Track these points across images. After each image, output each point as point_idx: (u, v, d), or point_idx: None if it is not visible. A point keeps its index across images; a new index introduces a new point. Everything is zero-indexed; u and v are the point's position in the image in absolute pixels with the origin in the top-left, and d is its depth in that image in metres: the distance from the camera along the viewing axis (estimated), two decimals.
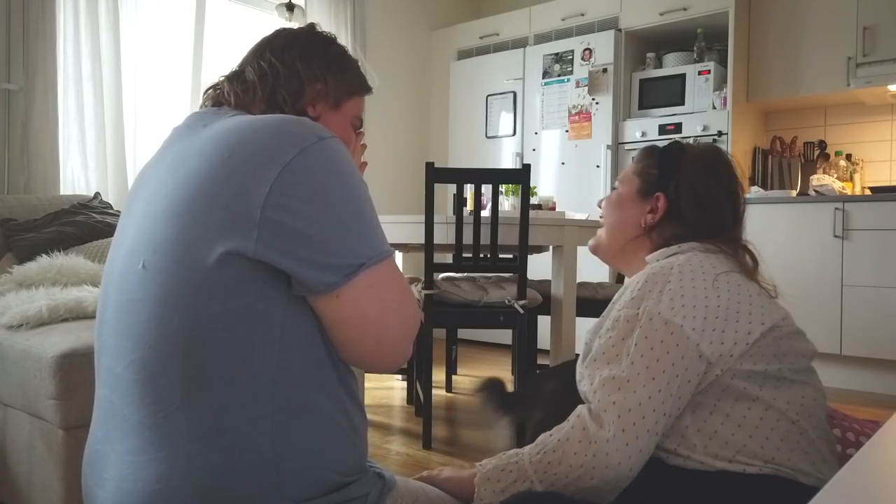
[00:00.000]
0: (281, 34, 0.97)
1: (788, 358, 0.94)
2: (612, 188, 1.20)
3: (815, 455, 0.91)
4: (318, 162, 0.75)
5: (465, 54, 4.67)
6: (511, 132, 4.33)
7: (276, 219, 0.72)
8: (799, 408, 0.92)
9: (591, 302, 2.68)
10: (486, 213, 2.48)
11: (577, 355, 1.08)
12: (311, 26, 0.99)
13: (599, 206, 1.21)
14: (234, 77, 0.93)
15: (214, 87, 0.95)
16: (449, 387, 3.17)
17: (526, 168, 2.32)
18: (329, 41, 0.99)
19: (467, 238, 2.34)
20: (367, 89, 1.02)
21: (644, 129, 3.80)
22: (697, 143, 1.20)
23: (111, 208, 2.45)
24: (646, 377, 0.87)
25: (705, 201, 1.07)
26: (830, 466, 0.90)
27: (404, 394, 3.05)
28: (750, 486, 0.87)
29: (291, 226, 0.72)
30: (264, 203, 0.72)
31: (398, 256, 3.35)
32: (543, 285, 2.65)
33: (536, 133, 4.22)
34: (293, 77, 0.92)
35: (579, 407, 0.93)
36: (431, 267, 2.32)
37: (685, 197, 1.07)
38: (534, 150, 4.22)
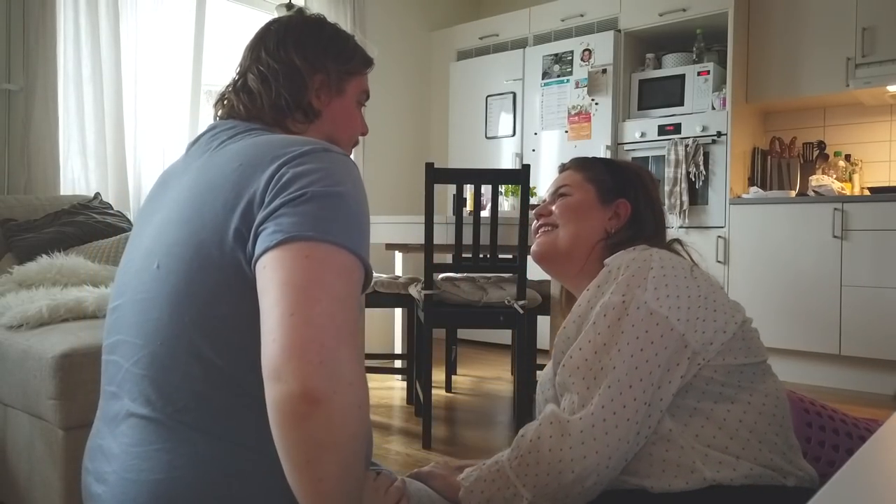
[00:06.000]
0: (272, 29, 0.97)
1: (761, 351, 0.98)
2: (560, 195, 1.16)
3: (787, 447, 0.94)
4: (319, 162, 0.76)
5: (464, 55, 4.67)
6: (511, 133, 4.33)
7: (270, 217, 0.72)
8: (775, 399, 0.95)
9: None
10: (485, 213, 2.48)
11: None
12: (300, 12, 0.99)
13: (539, 216, 1.17)
14: (239, 88, 0.93)
15: (222, 100, 0.95)
16: (449, 387, 3.17)
17: (525, 168, 2.32)
18: (320, 24, 0.99)
19: (467, 238, 2.34)
20: (367, 64, 1.02)
21: (643, 130, 3.80)
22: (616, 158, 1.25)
23: (111, 208, 2.45)
24: (629, 366, 0.88)
25: (656, 207, 1.16)
26: (797, 452, 0.95)
27: (404, 394, 3.05)
28: (740, 501, 0.87)
29: (277, 207, 0.72)
30: (264, 203, 0.73)
31: (398, 257, 3.34)
32: (543, 285, 2.65)
33: (536, 134, 4.22)
34: (293, 74, 0.92)
35: (549, 405, 0.93)
36: (431, 267, 2.32)
37: (644, 202, 1.14)
38: (533, 150, 4.22)
